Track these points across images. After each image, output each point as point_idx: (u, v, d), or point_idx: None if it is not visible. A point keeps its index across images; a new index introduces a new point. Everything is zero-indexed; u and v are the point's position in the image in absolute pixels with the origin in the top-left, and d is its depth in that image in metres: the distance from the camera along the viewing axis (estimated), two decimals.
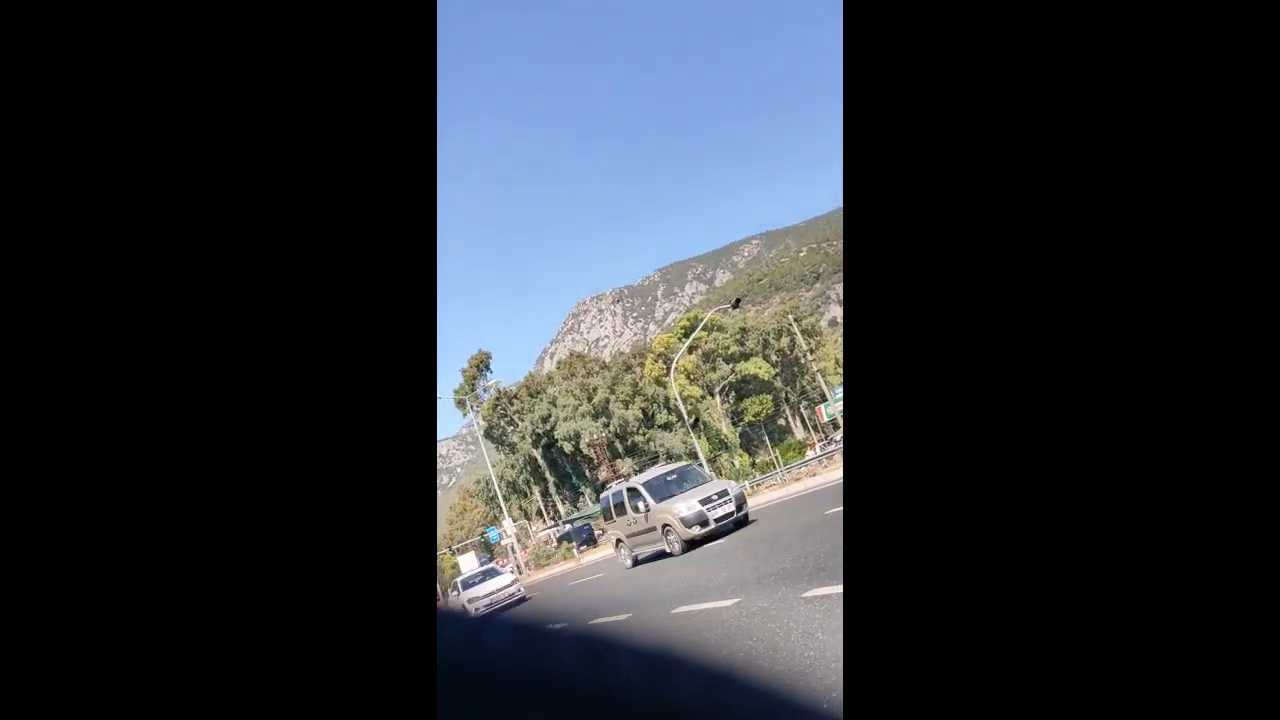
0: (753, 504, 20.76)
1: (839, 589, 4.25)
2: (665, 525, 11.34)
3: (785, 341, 57.01)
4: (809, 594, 4.65)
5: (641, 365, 56.91)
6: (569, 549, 36.45)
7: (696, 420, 45.21)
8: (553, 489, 54.02)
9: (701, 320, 49.05)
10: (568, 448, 52.11)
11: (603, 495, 15.09)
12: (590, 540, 36.42)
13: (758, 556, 6.92)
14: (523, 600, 16.79)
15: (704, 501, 11.12)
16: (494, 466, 47.43)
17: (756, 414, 53.83)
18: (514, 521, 47.63)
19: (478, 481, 64.26)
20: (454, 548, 65.31)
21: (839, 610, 2.93)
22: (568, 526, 44.76)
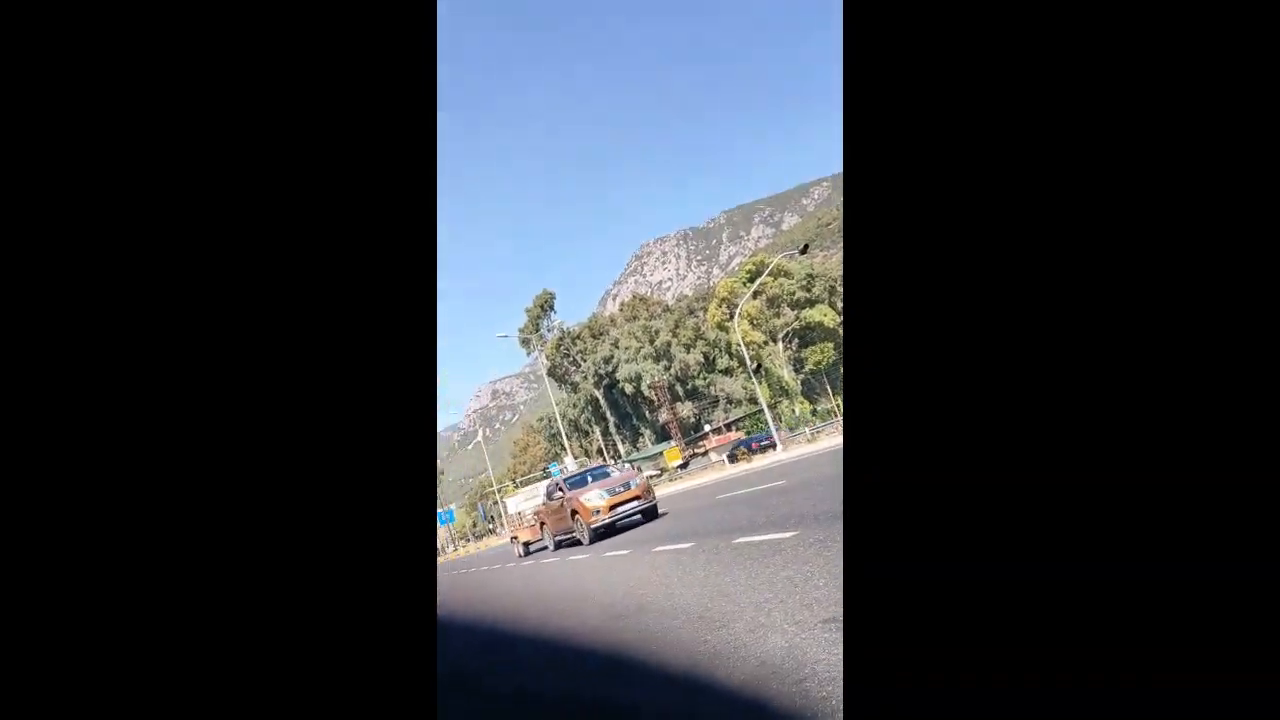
0: (813, 449, 20.88)
1: None
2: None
3: None
4: None
5: (704, 309, 56.73)
6: None
7: (759, 366, 45.14)
8: (613, 429, 55.03)
9: (768, 266, 48.43)
10: (629, 389, 52.80)
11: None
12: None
13: (815, 497, 7.15)
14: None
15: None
16: (556, 405, 48.50)
17: (818, 362, 53.30)
18: (575, 459, 48.86)
19: (540, 419, 65.85)
20: (518, 481, 67.49)
21: None
22: (628, 465, 45.72)
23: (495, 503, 64.63)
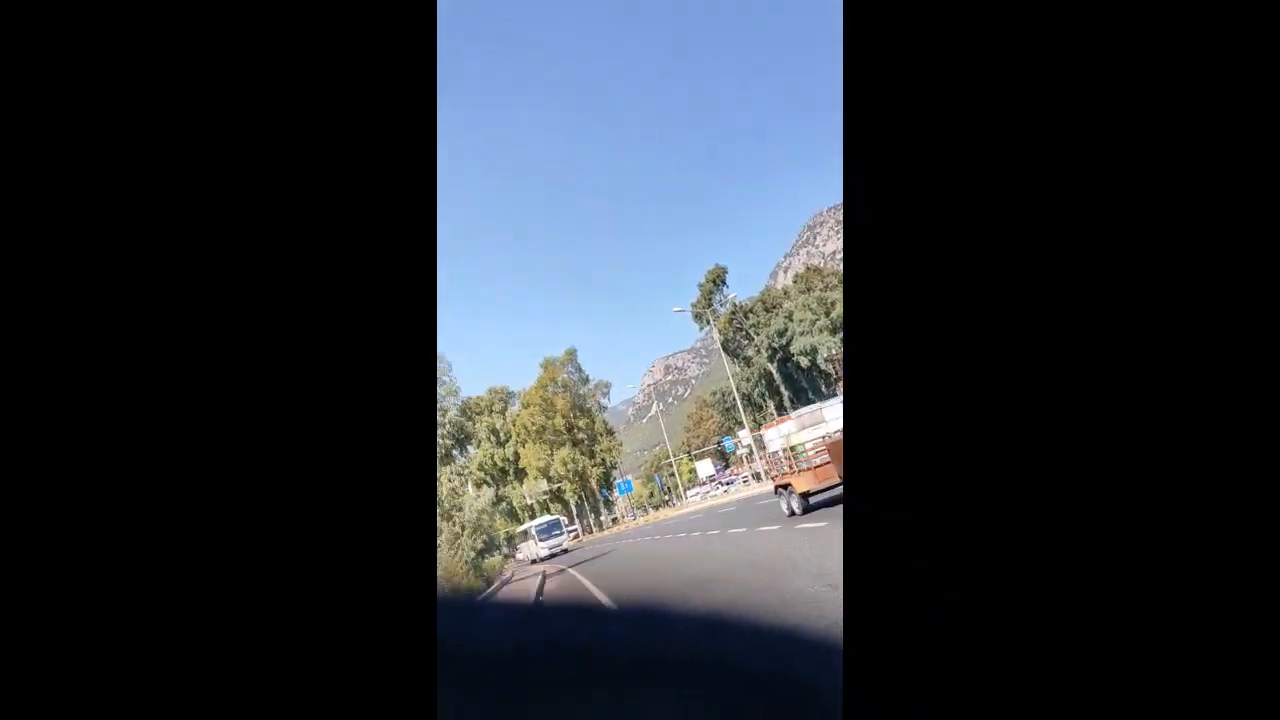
0: None
1: None
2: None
3: None
4: None
5: None
6: None
7: None
8: (787, 402, 54.32)
9: None
10: (803, 362, 51.78)
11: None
12: None
13: None
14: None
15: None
16: (730, 379, 48.64)
17: None
18: (750, 434, 48.80)
19: (714, 393, 66.31)
20: (692, 453, 68.59)
21: None
22: None
23: (671, 474, 65.95)
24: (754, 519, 12.44)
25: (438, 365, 24.13)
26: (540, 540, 32.34)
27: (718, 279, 55.73)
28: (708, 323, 55.10)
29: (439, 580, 11.77)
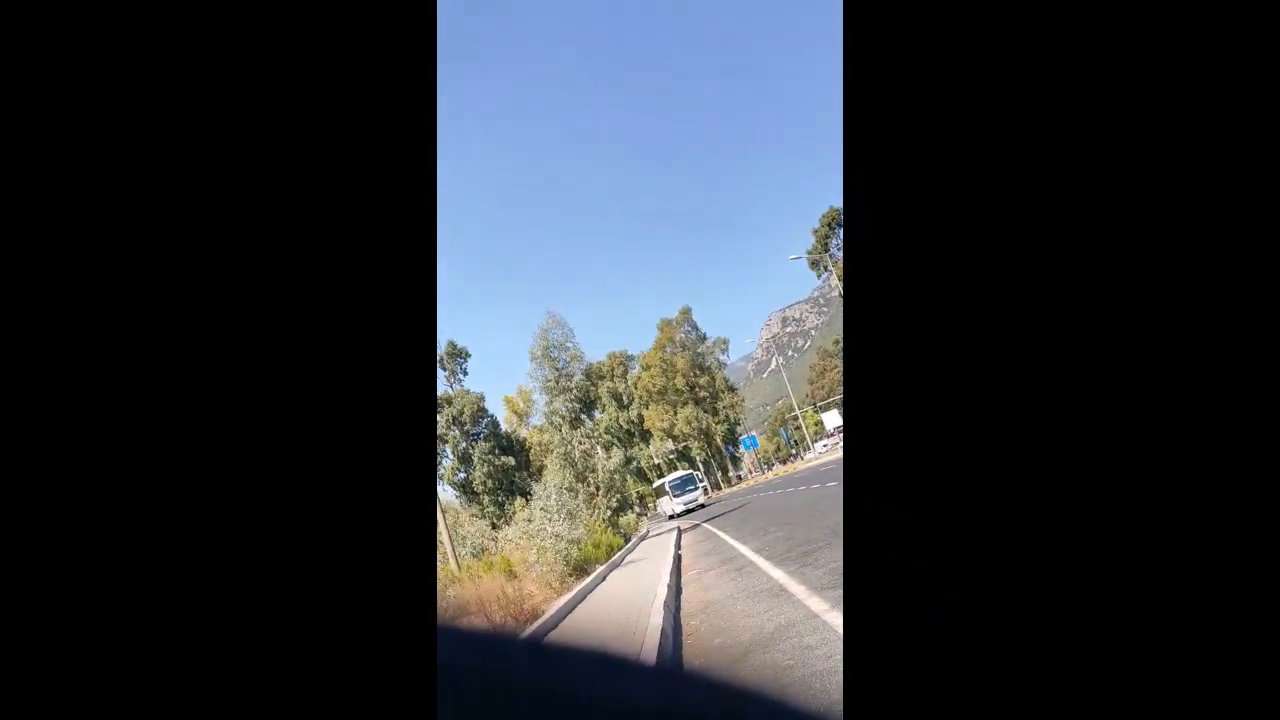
0: None
1: None
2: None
3: None
4: None
5: None
6: None
7: None
8: None
9: None
10: None
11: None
12: None
13: None
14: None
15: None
16: None
17: None
18: None
19: (835, 342, 64.47)
20: (818, 404, 67.16)
21: None
22: None
23: (797, 427, 64.91)
24: None
25: (559, 330, 24.48)
26: (675, 496, 32.26)
27: (833, 222, 53.76)
28: (826, 269, 53.39)
29: (584, 540, 12.09)
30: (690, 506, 31.25)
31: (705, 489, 39.60)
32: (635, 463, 60.36)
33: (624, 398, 64.07)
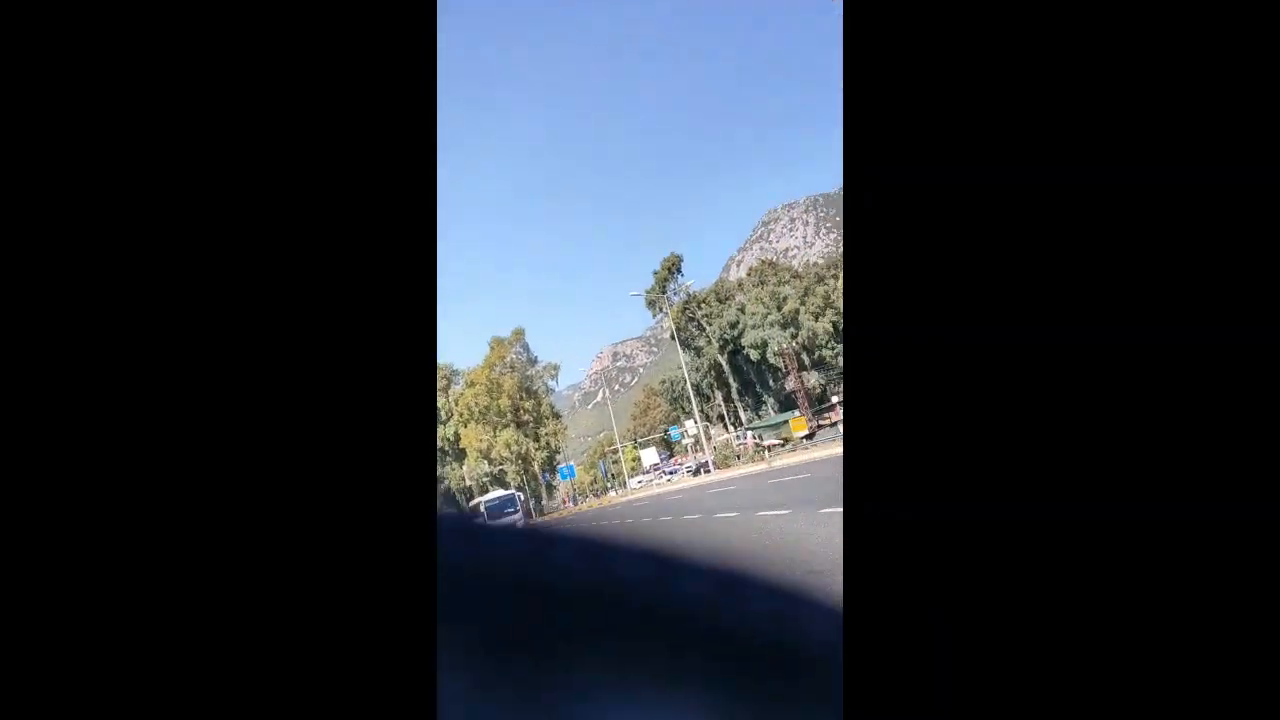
0: None
1: None
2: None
3: None
4: None
5: (835, 277, 54.78)
6: (759, 451, 37.73)
7: None
8: (735, 395, 54.47)
9: None
10: (754, 355, 51.99)
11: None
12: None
13: None
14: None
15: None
16: (677, 369, 48.50)
17: None
18: (697, 424, 48.66)
19: (662, 381, 66.16)
20: (638, 441, 68.30)
21: None
22: (749, 433, 45.32)
23: (615, 461, 65.58)
24: (709, 506, 12.10)
25: None
26: (491, 519, 31.29)
27: (673, 267, 55.48)
28: (661, 310, 54.78)
29: None
30: None
31: (522, 516, 38.86)
32: (445, 482, 57.94)
33: (443, 413, 61.65)
